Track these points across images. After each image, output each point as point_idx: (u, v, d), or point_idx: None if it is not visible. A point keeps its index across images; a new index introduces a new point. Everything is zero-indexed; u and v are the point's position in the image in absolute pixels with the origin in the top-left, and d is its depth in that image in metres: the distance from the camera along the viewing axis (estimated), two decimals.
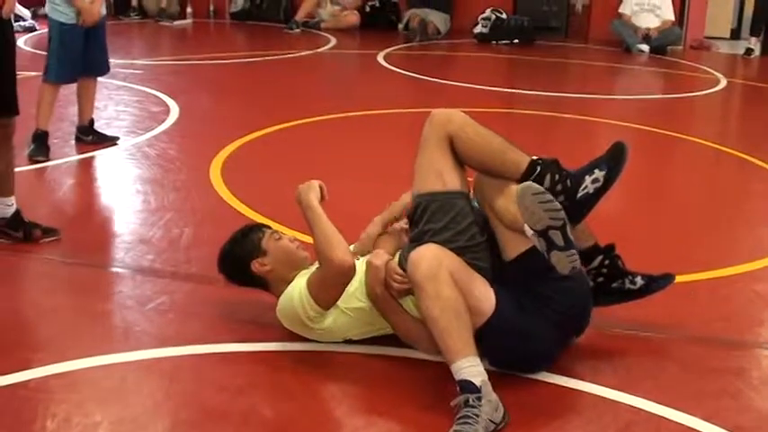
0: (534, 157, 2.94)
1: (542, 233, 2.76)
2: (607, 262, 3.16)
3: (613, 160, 2.92)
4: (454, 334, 2.73)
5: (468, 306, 2.77)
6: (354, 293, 3.05)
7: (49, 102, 5.38)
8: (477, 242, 2.94)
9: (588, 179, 2.88)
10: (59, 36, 5.28)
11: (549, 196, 2.76)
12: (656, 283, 3.20)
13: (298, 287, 3.04)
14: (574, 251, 2.78)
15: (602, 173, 2.88)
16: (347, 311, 3.05)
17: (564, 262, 2.77)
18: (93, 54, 5.43)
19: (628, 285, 3.17)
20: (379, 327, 3.10)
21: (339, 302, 3.04)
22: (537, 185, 2.78)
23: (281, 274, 3.15)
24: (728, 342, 3.33)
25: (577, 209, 2.91)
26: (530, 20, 11.09)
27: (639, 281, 3.18)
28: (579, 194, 2.89)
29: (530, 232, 2.79)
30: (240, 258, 3.19)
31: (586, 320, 3.06)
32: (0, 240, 4.03)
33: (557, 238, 2.75)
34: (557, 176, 2.88)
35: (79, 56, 5.33)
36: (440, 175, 2.97)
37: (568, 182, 2.88)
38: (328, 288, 3.00)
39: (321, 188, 3.14)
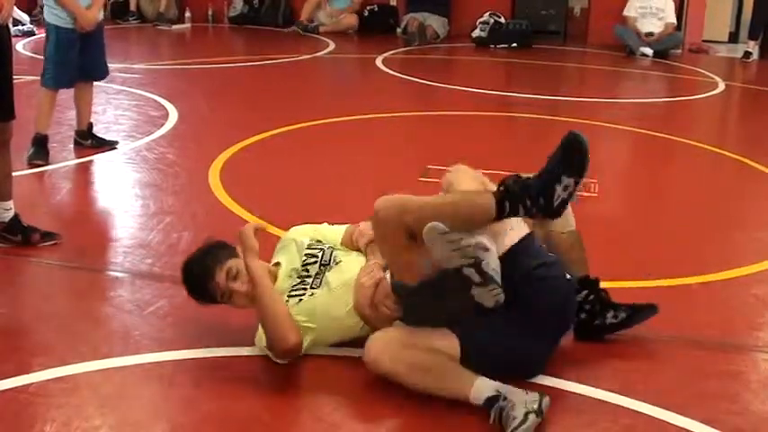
0: (495, 193, 2.81)
1: (457, 272, 2.74)
2: (591, 297, 3.21)
3: (572, 159, 2.87)
4: (447, 384, 2.80)
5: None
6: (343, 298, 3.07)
7: (48, 106, 5.38)
8: (454, 308, 2.89)
9: (558, 188, 2.82)
10: (56, 40, 5.27)
11: (457, 235, 2.71)
12: (638, 314, 3.26)
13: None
14: (495, 285, 2.73)
15: (571, 179, 2.83)
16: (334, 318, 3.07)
17: (486, 296, 2.75)
18: (91, 58, 5.42)
19: (609, 320, 3.24)
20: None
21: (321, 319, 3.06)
22: (441, 225, 2.72)
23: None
24: (727, 345, 3.33)
25: (556, 213, 2.86)
26: (528, 24, 11.12)
27: (622, 314, 3.24)
28: (555, 204, 2.82)
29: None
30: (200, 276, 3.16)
31: (568, 321, 3.09)
32: None
33: (472, 275, 2.73)
34: (528, 203, 2.80)
35: (76, 60, 5.33)
36: (410, 267, 2.88)
37: (541, 200, 2.81)
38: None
39: (256, 230, 3.15)
